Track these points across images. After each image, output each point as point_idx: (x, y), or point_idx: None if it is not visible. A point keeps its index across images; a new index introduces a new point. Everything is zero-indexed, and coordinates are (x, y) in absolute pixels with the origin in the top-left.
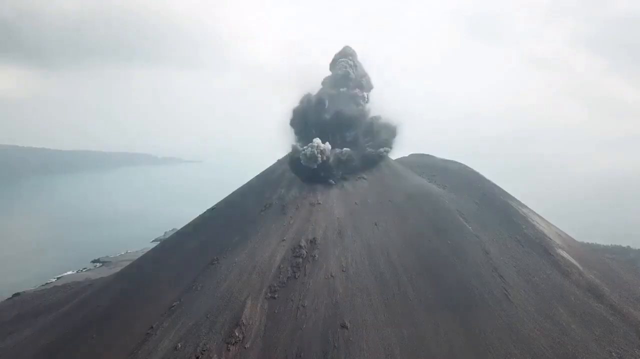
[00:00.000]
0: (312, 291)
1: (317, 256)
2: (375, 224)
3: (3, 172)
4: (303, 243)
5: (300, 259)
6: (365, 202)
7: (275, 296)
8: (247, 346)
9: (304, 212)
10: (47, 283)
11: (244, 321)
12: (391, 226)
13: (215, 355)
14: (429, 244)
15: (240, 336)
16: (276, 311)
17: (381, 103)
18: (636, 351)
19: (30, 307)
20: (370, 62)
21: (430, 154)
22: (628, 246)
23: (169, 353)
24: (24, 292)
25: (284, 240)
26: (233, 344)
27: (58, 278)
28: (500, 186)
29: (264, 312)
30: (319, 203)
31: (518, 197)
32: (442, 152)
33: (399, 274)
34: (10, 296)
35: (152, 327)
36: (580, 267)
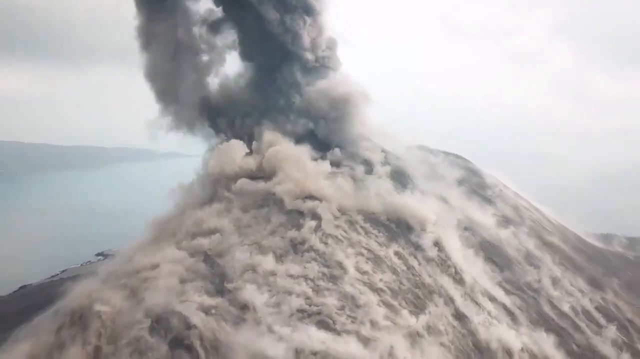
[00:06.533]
0: None
1: None
2: None
3: (6, 168)
4: None
5: None
6: None
7: None
8: None
9: None
10: (52, 276)
11: None
12: None
13: None
14: None
15: None
16: None
17: None
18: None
19: (36, 299)
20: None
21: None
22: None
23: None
24: (30, 284)
25: None
26: None
27: (63, 271)
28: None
29: None
30: None
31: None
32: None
33: None
34: (17, 289)
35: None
36: (578, 259)
